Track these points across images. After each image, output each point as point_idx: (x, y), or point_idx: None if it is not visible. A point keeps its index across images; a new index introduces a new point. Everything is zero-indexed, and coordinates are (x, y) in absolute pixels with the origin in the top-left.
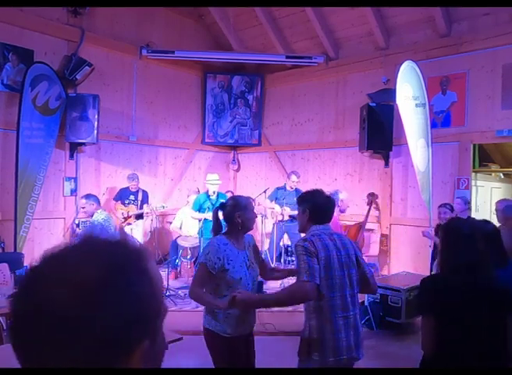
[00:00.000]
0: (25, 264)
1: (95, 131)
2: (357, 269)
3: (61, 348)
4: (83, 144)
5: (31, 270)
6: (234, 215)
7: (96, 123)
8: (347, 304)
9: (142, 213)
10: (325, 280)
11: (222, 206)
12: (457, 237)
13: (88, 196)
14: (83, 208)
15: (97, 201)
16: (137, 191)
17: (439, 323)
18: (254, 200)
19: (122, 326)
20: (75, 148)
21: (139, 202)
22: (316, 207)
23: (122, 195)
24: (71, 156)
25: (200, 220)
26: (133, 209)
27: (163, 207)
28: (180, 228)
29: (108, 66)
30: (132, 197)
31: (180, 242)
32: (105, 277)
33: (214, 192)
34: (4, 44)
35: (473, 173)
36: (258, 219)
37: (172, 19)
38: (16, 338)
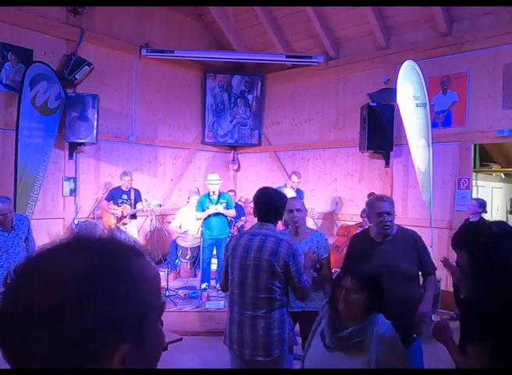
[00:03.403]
0: None
1: (94, 131)
2: (275, 275)
3: (35, 348)
4: (83, 144)
5: (16, 269)
6: None
7: (95, 122)
8: (246, 303)
9: (136, 213)
10: (230, 276)
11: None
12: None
13: (8, 198)
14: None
15: None
16: (129, 191)
17: (495, 350)
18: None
19: (91, 331)
20: (74, 147)
21: (132, 201)
22: (255, 204)
23: (115, 195)
24: (70, 156)
25: (203, 218)
26: (127, 209)
27: (159, 205)
28: (180, 228)
29: (108, 65)
30: (124, 196)
31: (180, 242)
32: (85, 279)
33: (213, 192)
34: (3, 44)
35: (474, 173)
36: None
37: (172, 19)
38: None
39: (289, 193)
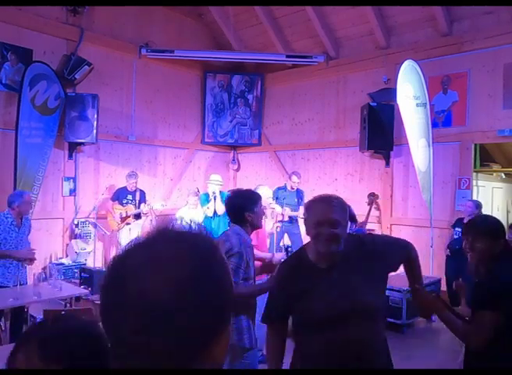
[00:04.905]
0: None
1: (94, 131)
2: None
3: (155, 335)
4: (82, 143)
5: (120, 259)
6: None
7: (95, 122)
8: None
9: (140, 213)
10: None
11: None
12: None
13: None
14: None
15: None
16: (135, 191)
17: (504, 319)
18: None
19: (212, 313)
20: (74, 147)
21: (137, 202)
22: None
23: (120, 195)
24: (70, 156)
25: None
26: (131, 209)
27: (162, 205)
28: None
29: (108, 65)
30: (129, 197)
31: None
32: (196, 267)
33: (213, 192)
34: (3, 44)
35: (474, 173)
36: None
37: (172, 18)
38: (108, 326)
39: (264, 191)
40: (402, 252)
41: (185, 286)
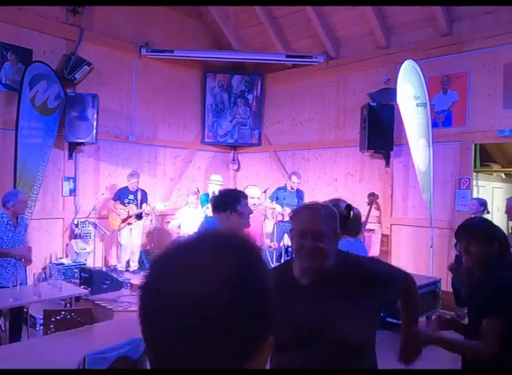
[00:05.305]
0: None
1: (94, 131)
2: None
3: (194, 340)
4: (82, 143)
5: (159, 260)
6: None
7: (95, 122)
8: None
9: (142, 213)
10: None
11: None
12: None
13: None
14: None
15: None
16: (136, 191)
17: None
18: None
19: (253, 320)
20: (74, 147)
21: (138, 202)
22: None
23: (121, 195)
24: (70, 156)
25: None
26: (132, 209)
27: (165, 206)
28: (179, 228)
29: (108, 65)
30: (131, 196)
31: None
32: (239, 274)
33: (213, 192)
34: (2, 44)
35: (474, 173)
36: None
37: (172, 18)
38: (146, 327)
39: (251, 191)
40: (400, 285)
41: (225, 292)
